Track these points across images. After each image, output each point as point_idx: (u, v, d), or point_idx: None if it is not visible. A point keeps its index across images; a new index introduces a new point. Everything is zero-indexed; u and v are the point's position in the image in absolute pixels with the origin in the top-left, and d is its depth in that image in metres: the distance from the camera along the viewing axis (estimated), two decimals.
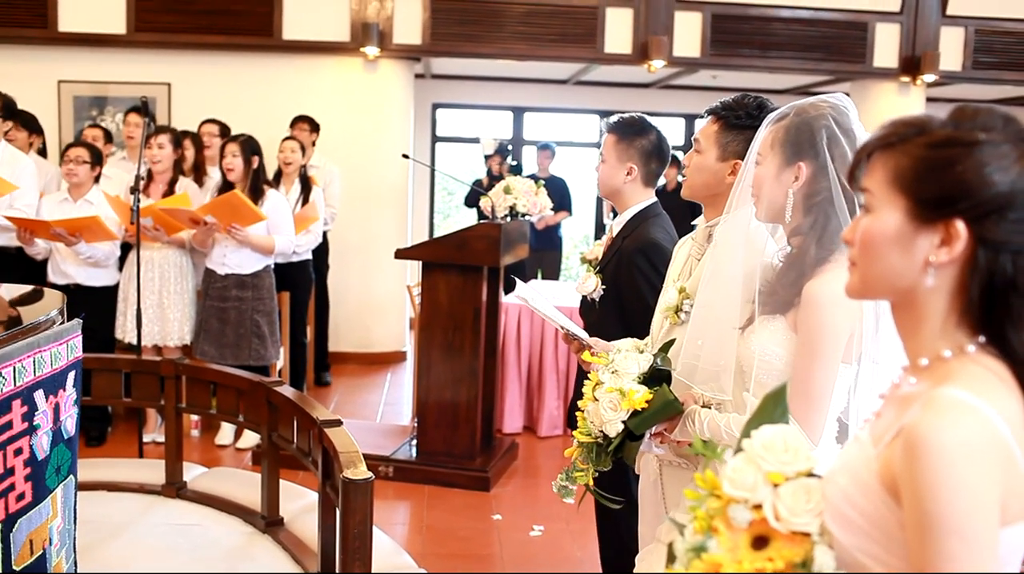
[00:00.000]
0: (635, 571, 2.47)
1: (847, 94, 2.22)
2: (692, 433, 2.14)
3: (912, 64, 8.13)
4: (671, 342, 2.27)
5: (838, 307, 1.87)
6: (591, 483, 2.29)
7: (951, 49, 8.21)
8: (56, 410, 2.37)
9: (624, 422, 2.15)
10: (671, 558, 1.27)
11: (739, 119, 2.39)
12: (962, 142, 1.16)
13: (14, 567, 2.19)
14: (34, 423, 2.26)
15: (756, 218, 2.09)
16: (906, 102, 8.24)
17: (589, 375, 2.29)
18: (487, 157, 8.36)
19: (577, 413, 2.28)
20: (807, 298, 1.92)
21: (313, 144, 6.98)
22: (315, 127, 7.00)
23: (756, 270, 2.09)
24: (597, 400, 2.19)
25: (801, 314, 1.94)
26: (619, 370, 2.19)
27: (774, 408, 1.32)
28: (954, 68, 8.25)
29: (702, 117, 2.51)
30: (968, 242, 1.15)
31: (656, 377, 2.18)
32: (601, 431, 2.18)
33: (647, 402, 2.13)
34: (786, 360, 1.99)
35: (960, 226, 1.15)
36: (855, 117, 2.02)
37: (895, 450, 1.12)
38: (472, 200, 7.85)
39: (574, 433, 2.29)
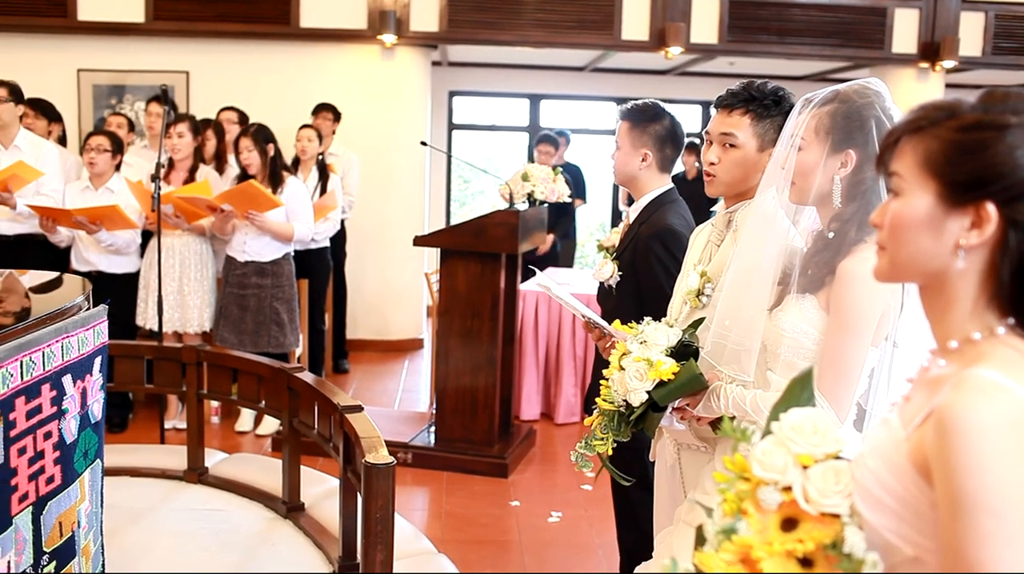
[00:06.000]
0: (654, 552, 2.48)
1: None
2: (715, 409, 2.15)
3: (931, 50, 8.07)
4: (700, 320, 2.28)
5: (873, 285, 1.87)
6: (610, 452, 2.30)
7: (971, 34, 8.14)
8: (84, 395, 2.40)
9: (649, 392, 2.16)
10: (700, 540, 1.28)
11: (767, 108, 2.39)
12: (993, 125, 1.16)
13: (44, 548, 2.22)
14: (63, 407, 2.29)
15: (790, 200, 2.07)
16: (925, 88, 8.18)
17: (616, 346, 2.29)
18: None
19: (601, 381, 2.29)
20: (842, 275, 1.92)
21: (333, 133, 7.00)
22: (337, 116, 7.01)
23: (784, 252, 2.09)
24: (623, 369, 2.20)
25: (835, 291, 1.94)
26: (648, 341, 2.20)
27: (800, 392, 1.33)
28: (974, 54, 8.18)
29: (717, 107, 2.47)
30: (999, 225, 1.15)
31: (683, 352, 2.19)
32: (624, 400, 2.20)
33: (673, 374, 2.15)
34: (816, 339, 1.98)
35: (991, 209, 1.15)
36: (892, 102, 2.01)
37: (926, 432, 1.13)
38: None
39: (597, 400, 2.30)
